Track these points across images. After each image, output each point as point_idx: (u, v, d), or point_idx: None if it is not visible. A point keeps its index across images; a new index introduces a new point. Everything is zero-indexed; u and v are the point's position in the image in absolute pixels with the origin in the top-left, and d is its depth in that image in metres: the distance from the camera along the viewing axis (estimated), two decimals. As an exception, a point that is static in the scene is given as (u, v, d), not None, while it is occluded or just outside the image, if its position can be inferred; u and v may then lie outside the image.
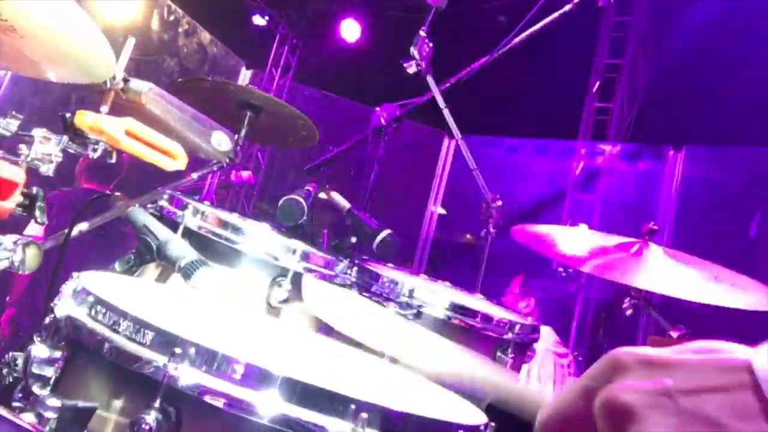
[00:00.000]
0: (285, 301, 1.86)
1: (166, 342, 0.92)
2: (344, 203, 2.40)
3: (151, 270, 1.80)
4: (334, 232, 2.51)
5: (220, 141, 1.82)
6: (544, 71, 6.12)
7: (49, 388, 0.99)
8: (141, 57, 5.15)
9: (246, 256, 1.87)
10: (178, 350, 0.91)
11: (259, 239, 1.88)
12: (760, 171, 5.18)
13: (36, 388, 0.98)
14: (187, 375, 0.90)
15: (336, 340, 1.49)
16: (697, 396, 0.41)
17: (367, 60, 6.57)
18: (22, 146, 1.51)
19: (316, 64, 6.93)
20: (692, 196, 5.38)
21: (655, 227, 2.40)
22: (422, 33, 2.48)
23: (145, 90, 1.64)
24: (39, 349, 1.00)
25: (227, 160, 1.98)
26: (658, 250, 2.37)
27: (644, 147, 5.95)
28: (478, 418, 1.17)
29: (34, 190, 1.49)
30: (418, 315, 1.96)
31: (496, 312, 2.16)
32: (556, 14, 2.68)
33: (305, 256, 1.90)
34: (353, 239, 2.34)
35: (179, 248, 1.48)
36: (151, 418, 0.88)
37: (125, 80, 1.62)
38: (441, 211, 6.44)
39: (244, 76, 6.41)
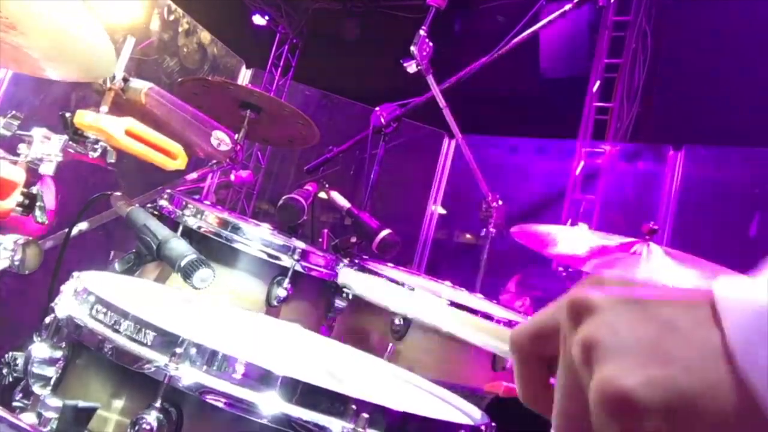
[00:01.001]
0: (285, 300, 1.86)
1: (167, 342, 0.92)
2: (344, 203, 2.40)
3: (152, 270, 1.80)
4: (334, 232, 2.51)
5: (220, 141, 1.82)
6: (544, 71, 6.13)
7: (49, 388, 0.99)
8: (141, 57, 5.15)
9: (246, 255, 1.87)
10: (178, 350, 0.91)
11: (259, 239, 1.88)
12: (760, 171, 5.17)
13: (37, 388, 0.98)
14: (187, 375, 0.90)
15: (336, 340, 1.49)
16: (657, 302, 0.43)
17: (367, 60, 6.56)
18: (22, 146, 1.51)
19: (316, 64, 6.92)
20: (692, 196, 5.37)
21: (655, 227, 2.40)
22: (422, 32, 2.48)
23: (145, 89, 1.64)
24: (40, 349, 1.00)
25: (227, 160, 1.98)
26: (658, 250, 2.37)
27: (644, 147, 5.95)
28: (479, 418, 1.17)
29: (34, 189, 1.49)
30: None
31: (496, 311, 2.17)
32: (556, 14, 2.68)
33: (305, 256, 1.90)
34: (353, 239, 2.34)
35: (179, 248, 1.48)
36: (151, 417, 0.88)
37: (125, 80, 1.62)
38: (441, 211, 6.43)
39: (244, 75, 6.40)
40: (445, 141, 6.33)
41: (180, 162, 1.61)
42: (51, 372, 0.99)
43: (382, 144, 2.68)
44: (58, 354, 1.00)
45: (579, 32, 6.01)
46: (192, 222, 1.85)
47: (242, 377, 0.91)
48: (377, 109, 2.71)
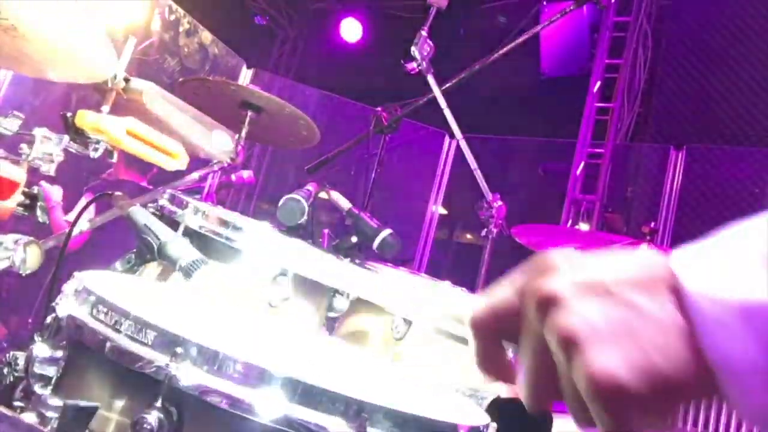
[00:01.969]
0: (286, 300, 1.86)
1: (168, 342, 0.92)
2: (344, 203, 2.40)
3: (152, 269, 1.80)
4: (334, 232, 2.50)
5: (221, 141, 1.82)
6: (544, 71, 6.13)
7: (50, 388, 0.99)
8: (142, 57, 5.15)
9: (246, 255, 1.87)
10: (179, 350, 0.91)
11: (260, 238, 1.88)
12: (760, 171, 5.17)
13: (37, 388, 0.98)
14: (188, 375, 0.90)
15: (337, 340, 1.49)
16: (616, 283, 0.46)
17: (367, 60, 6.57)
18: (24, 146, 1.51)
19: (316, 64, 6.93)
20: (692, 196, 5.38)
21: (656, 227, 2.41)
22: (423, 33, 2.48)
23: (146, 90, 1.65)
24: (40, 349, 1.00)
25: (228, 160, 1.98)
26: (658, 249, 2.37)
27: (645, 147, 5.95)
28: (479, 418, 1.18)
29: (35, 189, 1.49)
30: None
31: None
32: (557, 15, 2.68)
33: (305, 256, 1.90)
34: (353, 239, 2.34)
35: (180, 247, 1.48)
36: (152, 417, 0.88)
37: (126, 80, 1.63)
38: (441, 211, 6.43)
39: (245, 75, 6.40)
40: (446, 141, 6.32)
41: (181, 162, 1.61)
42: (52, 372, 0.99)
43: (382, 144, 2.68)
44: (59, 354, 1.00)
45: (579, 32, 6.01)
46: (193, 221, 1.85)
47: (243, 377, 0.91)
48: (378, 109, 2.71)
